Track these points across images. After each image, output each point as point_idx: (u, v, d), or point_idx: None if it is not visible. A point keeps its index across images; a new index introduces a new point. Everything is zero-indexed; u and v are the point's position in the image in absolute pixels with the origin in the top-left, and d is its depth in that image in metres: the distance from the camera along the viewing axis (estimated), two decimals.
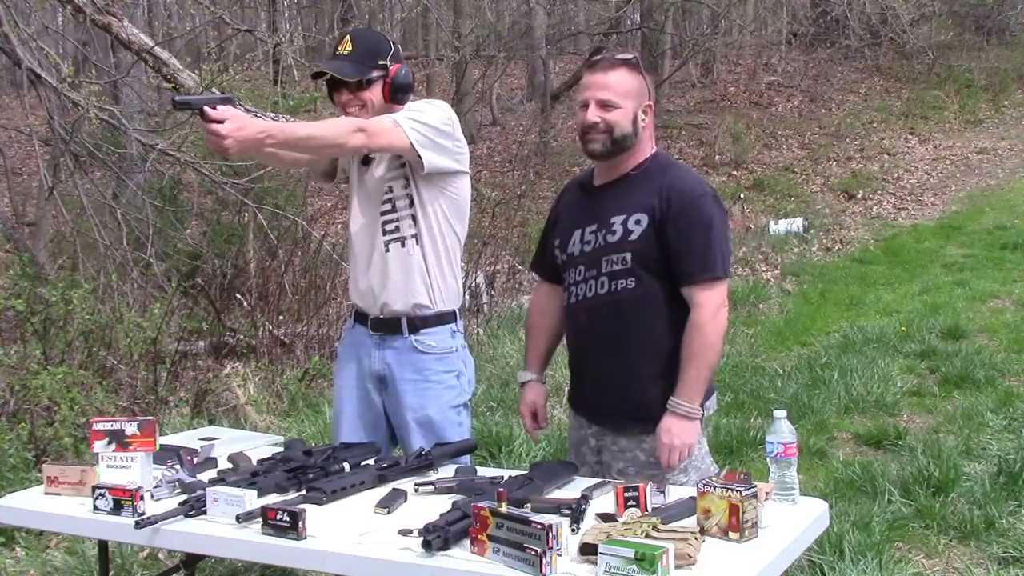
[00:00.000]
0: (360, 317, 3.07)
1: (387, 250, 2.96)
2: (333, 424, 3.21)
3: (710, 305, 2.69)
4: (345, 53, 2.91)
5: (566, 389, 3.10)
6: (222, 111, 2.54)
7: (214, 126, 2.53)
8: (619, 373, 2.78)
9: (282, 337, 7.31)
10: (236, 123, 2.55)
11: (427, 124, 2.85)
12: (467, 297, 7.97)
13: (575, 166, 12.55)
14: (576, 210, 2.93)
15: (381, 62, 2.92)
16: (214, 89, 5.77)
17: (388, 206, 2.96)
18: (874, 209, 13.23)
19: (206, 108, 2.54)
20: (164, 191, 8.47)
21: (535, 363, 3.08)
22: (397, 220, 2.95)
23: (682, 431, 2.68)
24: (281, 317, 7.67)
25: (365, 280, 3.01)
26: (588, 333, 2.85)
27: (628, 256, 2.73)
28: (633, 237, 2.73)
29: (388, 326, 2.98)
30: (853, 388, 5.97)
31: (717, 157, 14.98)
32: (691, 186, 2.78)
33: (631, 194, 2.78)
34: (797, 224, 12.00)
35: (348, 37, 2.96)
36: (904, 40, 16.69)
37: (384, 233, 2.96)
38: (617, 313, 2.76)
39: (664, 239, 2.71)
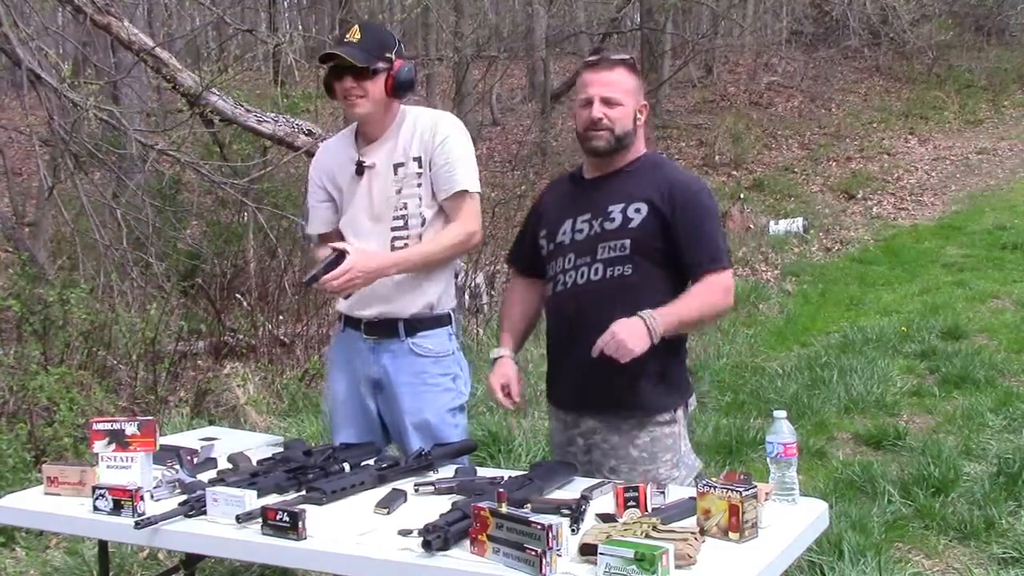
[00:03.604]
0: (352, 321, 3.03)
1: None
2: (329, 431, 3.22)
3: (721, 284, 2.72)
4: (355, 41, 2.90)
5: None
6: (344, 267, 2.76)
7: (345, 278, 2.76)
8: (607, 363, 2.62)
9: (282, 337, 7.30)
10: (361, 263, 2.79)
11: (474, 162, 2.96)
12: (467, 297, 7.96)
13: (575, 166, 12.52)
14: (566, 200, 2.91)
15: (387, 55, 2.92)
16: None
17: (400, 223, 2.94)
18: (874, 209, 13.22)
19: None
20: (164, 191, 8.47)
21: (508, 340, 2.98)
22: (407, 237, 2.93)
23: (632, 334, 2.56)
24: (281, 317, 7.66)
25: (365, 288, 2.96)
26: (575, 321, 2.76)
27: (627, 243, 2.72)
28: (633, 224, 2.72)
29: (384, 329, 2.96)
30: (853, 388, 5.97)
31: (717, 157, 14.98)
32: (688, 181, 2.84)
33: (627, 186, 2.79)
34: (797, 224, 12.00)
35: (357, 27, 2.96)
36: (904, 40, 16.70)
37: (392, 249, 2.93)
38: (609, 299, 2.70)
39: (671, 232, 2.71)
